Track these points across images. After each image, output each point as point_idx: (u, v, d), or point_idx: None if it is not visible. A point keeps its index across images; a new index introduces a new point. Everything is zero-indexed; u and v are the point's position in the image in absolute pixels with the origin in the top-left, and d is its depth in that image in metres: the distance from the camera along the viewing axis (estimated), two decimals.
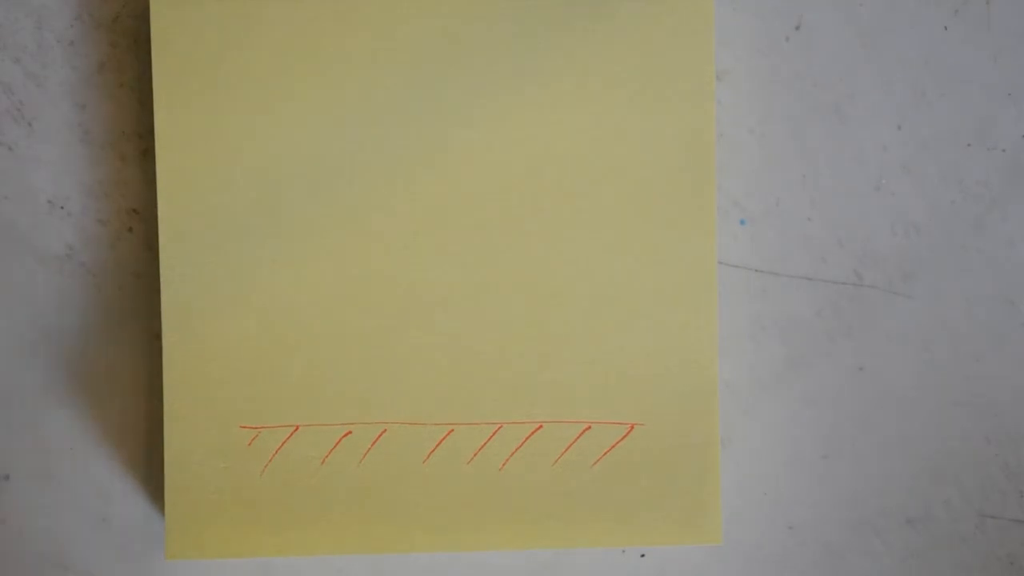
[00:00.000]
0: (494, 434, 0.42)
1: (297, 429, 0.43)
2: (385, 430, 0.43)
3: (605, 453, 0.43)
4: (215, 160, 0.42)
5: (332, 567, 0.44)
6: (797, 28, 0.43)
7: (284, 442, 0.43)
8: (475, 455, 0.43)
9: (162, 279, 0.43)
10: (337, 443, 0.43)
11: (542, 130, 0.42)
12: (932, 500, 0.44)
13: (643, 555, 0.44)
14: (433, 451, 0.43)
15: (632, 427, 0.43)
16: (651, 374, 0.42)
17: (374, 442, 0.43)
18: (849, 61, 0.44)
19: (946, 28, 0.43)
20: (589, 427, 0.43)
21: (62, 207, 0.44)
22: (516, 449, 0.43)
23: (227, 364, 0.42)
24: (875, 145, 0.44)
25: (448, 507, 0.43)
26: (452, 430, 0.43)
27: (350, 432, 0.43)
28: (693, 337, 0.42)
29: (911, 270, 0.44)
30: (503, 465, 0.42)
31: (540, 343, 0.43)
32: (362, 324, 0.43)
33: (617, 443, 0.43)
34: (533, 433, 0.43)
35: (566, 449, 0.43)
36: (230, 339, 0.42)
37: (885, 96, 0.44)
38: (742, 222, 0.44)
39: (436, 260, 0.42)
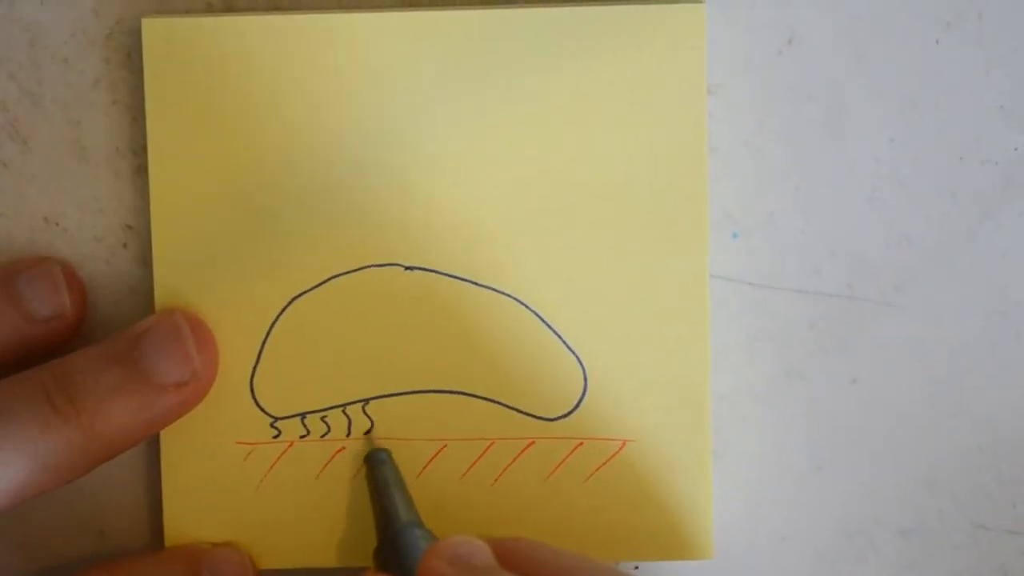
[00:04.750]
0: (487, 450, 0.43)
1: (292, 445, 0.43)
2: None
3: (597, 469, 0.43)
4: (208, 177, 0.42)
5: None
6: (789, 42, 0.43)
7: (279, 458, 0.43)
8: (468, 471, 0.43)
9: (155, 295, 0.43)
10: (331, 459, 0.43)
11: (533, 145, 0.42)
12: (926, 511, 0.45)
13: (636, 567, 0.44)
14: (426, 467, 0.43)
15: (624, 443, 0.43)
16: (643, 389, 0.43)
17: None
18: (841, 74, 0.44)
19: (938, 41, 0.43)
20: (581, 443, 0.43)
21: (57, 223, 0.44)
22: (508, 465, 0.43)
23: (221, 380, 0.43)
24: (867, 157, 0.44)
25: (441, 522, 0.43)
26: (445, 446, 0.43)
27: (343, 448, 0.43)
28: (685, 351, 0.43)
29: (904, 282, 0.44)
30: (495, 481, 0.43)
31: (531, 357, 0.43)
32: (355, 341, 0.43)
33: (609, 459, 0.43)
34: (525, 449, 0.43)
35: (558, 465, 0.43)
36: (223, 355, 0.43)
37: (877, 109, 0.44)
38: (734, 235, 0.44)
39: (428, 278, 0.43)
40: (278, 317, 0.43)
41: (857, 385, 0.44)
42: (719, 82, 0.44)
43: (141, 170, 0.44)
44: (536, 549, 0.38)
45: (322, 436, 0.43)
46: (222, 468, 0.43)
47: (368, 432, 0.43)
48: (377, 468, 0.42)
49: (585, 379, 0.43)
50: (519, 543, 0.38)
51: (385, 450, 0.43)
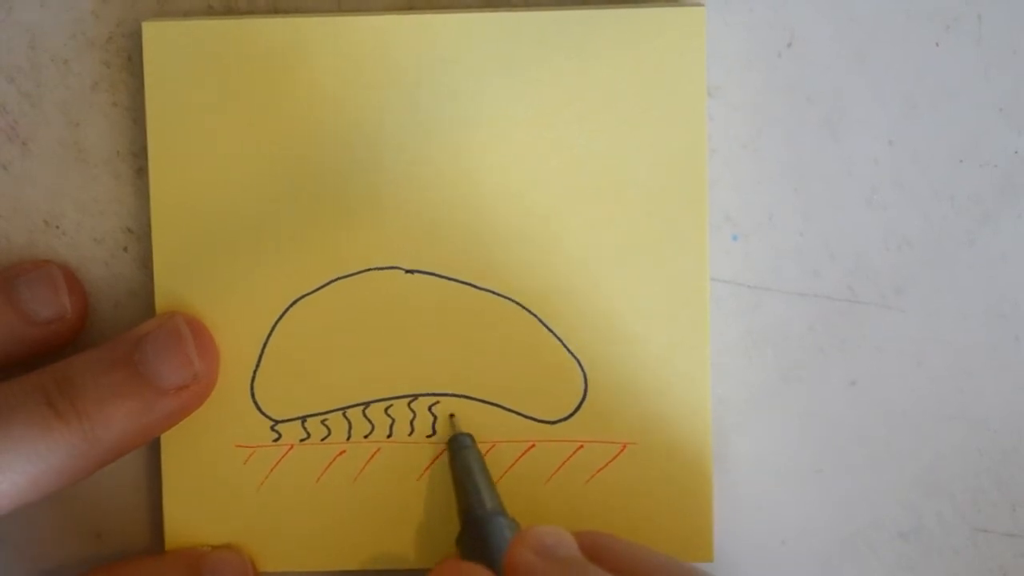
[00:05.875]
0: (487, 453, 0.43)
1: (292, 448, 0.43)
2: (379, 449, 0.43)
3: (598, 472, 0.43)
4: (208, 179, 0.42)
5: None
6: (789, 44, 0.43)
7: (279, 461, 0.43)
8: None
9: (156, 298, 0.43)
10: (331, 462, 0.43)
11: (533, 147, 0.42)
12: (925, 513, 0.45)
13: None
14: (427, 470, 0.43)
15: (624, 446, 0.43)
16: (643, 392, 0.43)
17: (368, 461, 0.43)
18: (841, 76, 0.44)
19: (937, 44, 0.43)
20: (582, 446, 0.43)
21: (57, 226, 0.44)
22: (509, 468, 0.43)
23: (221, 383, 0.43)
24: (867, 160, 0.44)
25: (442, 524, 0.43)
26: (445, 449, 0.43)
27: (344, 451, 0.43)
28: (685, 354, 0.43)
29: (903, 285, 0.44)
30: (496, 484, 0.43)
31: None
32: (356, 344, 0.43)
33: (610, 462, 0.43)
34: (526, 452, 0.43)
35: (559, 468, 0.43)
36: (224, 358, 0.43)
37: (877, 111, 0.44)
38: (734, 237, 0.44)
39: (429, 281, 0.43)
40: (279, 320, 0.43)
41: (856, 387, 0.44)
42: (719, 84, 0.44)
43: (141, 172, 0.44)
44: (615, 543, 0.38)
45: (322, 439, 0.43)
46: (222, 471, 0.43)
47: (368, 435, 0.43)
48: (460, 453, 0.42)
49: (585, 382, 0.43)
50: (600, 536, 0.38)
51: (468, 435, 0.42)
